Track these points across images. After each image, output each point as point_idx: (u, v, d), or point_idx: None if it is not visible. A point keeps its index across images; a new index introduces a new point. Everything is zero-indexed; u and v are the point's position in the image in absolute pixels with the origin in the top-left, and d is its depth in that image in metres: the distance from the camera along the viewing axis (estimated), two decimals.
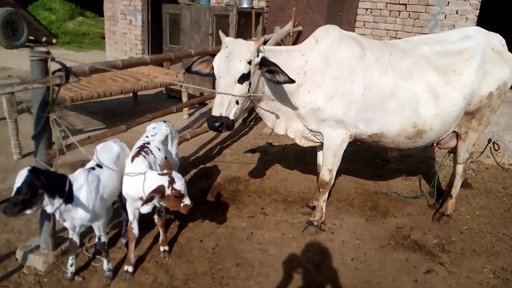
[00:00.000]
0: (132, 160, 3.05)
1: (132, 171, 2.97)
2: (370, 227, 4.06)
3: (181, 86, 6.76)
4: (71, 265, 3.08)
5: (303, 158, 5.57)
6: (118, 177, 3.13)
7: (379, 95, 3.36)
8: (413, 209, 4.44)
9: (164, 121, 3.62)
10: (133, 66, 3.48)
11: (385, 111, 3.40)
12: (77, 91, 5.53)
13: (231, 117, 3.14)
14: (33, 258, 3.15)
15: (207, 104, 5.51)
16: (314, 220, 3.88)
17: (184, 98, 6.91)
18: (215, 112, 3.10)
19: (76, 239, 3.06)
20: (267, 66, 3.05)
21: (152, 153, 3.19)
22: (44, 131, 2.84)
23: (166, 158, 3.30)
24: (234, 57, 2.99)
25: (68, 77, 2.67)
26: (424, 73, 3.41)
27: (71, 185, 2.73)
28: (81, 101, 5.37)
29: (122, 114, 7.11)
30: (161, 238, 3.45)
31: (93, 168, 2.99)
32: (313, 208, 4.18)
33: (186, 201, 2.88)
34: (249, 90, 3.14)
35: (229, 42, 3.07)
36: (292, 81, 3.01)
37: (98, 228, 2.99)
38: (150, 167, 3.04)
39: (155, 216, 3.37)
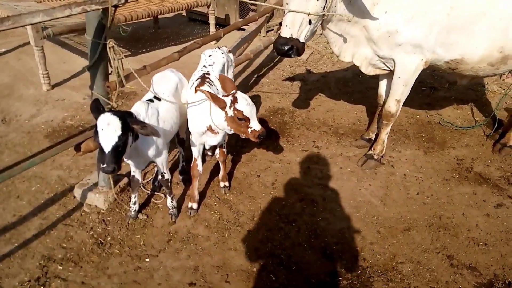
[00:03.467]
0: (196, 91, 2.77)
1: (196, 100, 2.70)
2: (430, 159, 3.88)
3: (208, 7, 6.20)
4: (134, 203, 2.95)
5: (346, 87, 5.25)
6: (177, 110, 2.88)
7: (467, 15, 2.96)
8: (471, 139, 4.23)
9: (219, 47, 3.27)
10: None
11: (470, 33, 3.03)
12: None
13: (302, 39, 2.80)
14: (93, 197, 3.01)
15: (245, 29, 5.05)
16: (374, 154, 3.69)
17: (212, 21, 6.39)
18: (285, 33, 2.75)
19: (138, 176, 2.89)
20: None
21: (214, 84, 2.89)
22: (101, 61, 2.52)
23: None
24: None
25: None
26: None
27: None
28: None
29: (144, 39, 6.64)
30: (221, 173, 3.28)
31: (151, 101, 2.73)
32: (369, 141, 3.97)
33: (254, 125, 2.54)
34: (324, 8, 2.75)
35: None
36: None
37: (161, 164, 2.80)
38: None
39: (217, 151, 3.16)
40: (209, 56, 3.14)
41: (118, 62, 2.51)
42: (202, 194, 3.27)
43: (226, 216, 3.07)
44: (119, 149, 2.26)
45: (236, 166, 3.64)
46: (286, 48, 2.74)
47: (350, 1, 2.94)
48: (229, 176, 3.48)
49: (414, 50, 3.11)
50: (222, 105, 2.49)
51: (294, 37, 2.74)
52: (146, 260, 2.67)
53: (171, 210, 3.00)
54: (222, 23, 6.98)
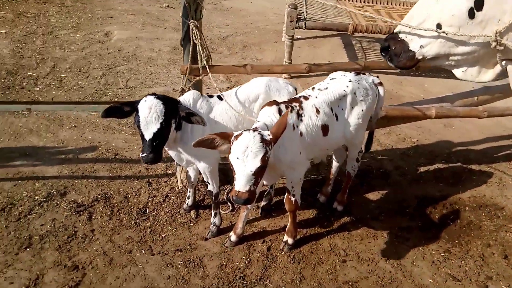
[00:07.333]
0: (262, 108, 2.20)
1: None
2: None
3: None
4: (188, 197, 2.76)
5: None
6: (239, 119, 2.41)
7: None
8: None
9: (358, 73, 2.36)
10: None
11: None
12: (368, 21, 4.58)
13: (415, 48, 1.67)
14: (179, 171, 3.03)
15: None
16: None
17: None
18: (398, 27, 1.75)
19: (191, 172, 2.66)
20: None
21: (300, 113, 2.18)
22: (188, 41, 2.39)
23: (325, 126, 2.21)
24: None
25: None
26: None
27: None
28: (361, 33, 4.45)
29: None
30: (288, 225, 2.51)
31: (210, 96, 2.39)
32: None
33: (236, 182, 1.83)
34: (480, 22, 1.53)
35: None
36: None
37: (204, 171, 2.43)
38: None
39: (285, 196, 2.41)
40: (331, 79, 2.35)
41: (198, 45, 2.30)
42: (264, 233, 2.65)
43: (250, 272, 2.36)
44: (161, 138, 2.08)
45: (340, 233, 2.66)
46: (383, 46, 1.74)
47: None
48: (309, 237, 2.61)
49: None
50: (228, 140, 1.90)
51: (401, 36, 1.67)
52: (131, 255, 2.46)
53: (211, 226, 2.62)
54: None
